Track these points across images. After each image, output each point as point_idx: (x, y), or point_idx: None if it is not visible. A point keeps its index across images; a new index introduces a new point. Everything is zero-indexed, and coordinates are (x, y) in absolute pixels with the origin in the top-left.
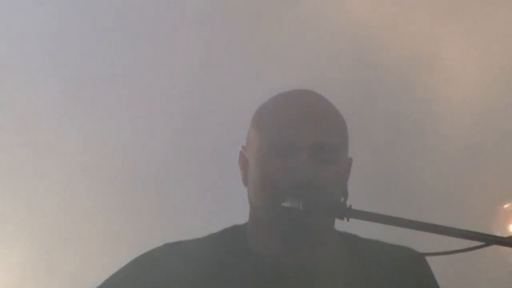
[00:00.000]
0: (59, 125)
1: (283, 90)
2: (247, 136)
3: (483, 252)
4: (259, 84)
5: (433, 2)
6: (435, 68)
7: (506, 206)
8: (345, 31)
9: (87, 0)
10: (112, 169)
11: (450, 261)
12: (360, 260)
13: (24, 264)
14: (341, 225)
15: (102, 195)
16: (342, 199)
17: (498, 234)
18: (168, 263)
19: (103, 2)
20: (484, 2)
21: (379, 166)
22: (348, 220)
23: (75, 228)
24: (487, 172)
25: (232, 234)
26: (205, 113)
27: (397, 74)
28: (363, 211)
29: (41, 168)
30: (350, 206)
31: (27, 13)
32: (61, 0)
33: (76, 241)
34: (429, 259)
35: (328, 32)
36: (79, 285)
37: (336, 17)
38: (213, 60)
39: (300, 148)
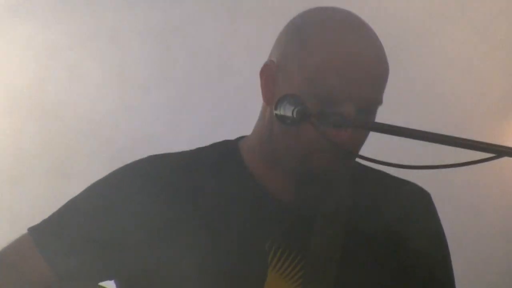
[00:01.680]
0: None
1: None
2: (283, 53)
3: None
4: None
5: None
6: None
7: None
8: None
9: None
10: None
11: (459, 175)
12: (363, 193)
13: None
14: None
15: None
16: None
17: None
18: (154, 174)
19: None
20: None
21: None
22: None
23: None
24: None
25: (224, 150)
26: None
27: None
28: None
29: None
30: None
31: None
32: None
33: None
34: (436, 172)
35: None
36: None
37: None
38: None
39: (350, 103)
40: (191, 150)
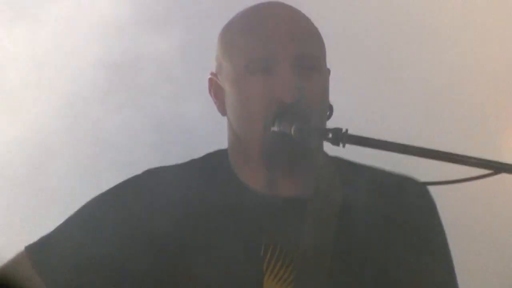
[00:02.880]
0: None
1: None
2: (216, 60)
3: (490, 182)
4: None
5: None
6: None
7: None
8: None
9: None
10: None
11: (454, 192)
12: (354, 189)
13: None
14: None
15: None
16: (328, 113)
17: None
18: (151, 190)
19: None
20: None
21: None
22: (344, 146)
23: None
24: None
25: (215, 159)
26: None
27: None
28: (361, 136)
29: None
30: (347, 130)
31: None
32: None
33: None
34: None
35: None
36: None
37: None
38: None
39: (281, 60)
40: (185, 162)
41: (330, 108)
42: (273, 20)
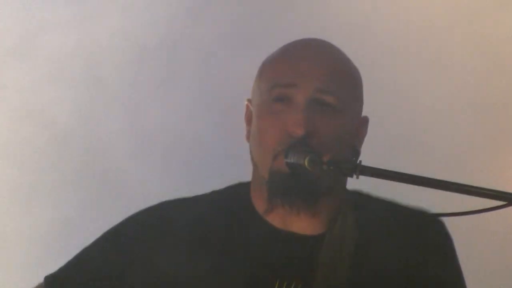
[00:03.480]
0: None
1: None
2: (252, 88)
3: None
4: None
5: None
6: None
7: None
8: None
9: None
10: None
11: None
12: (371, 223)
13: None
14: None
15: None
16: (354, 159)
17: None
18: (164, 222)
19: None
20: None
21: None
22: (357, 178)
23: None
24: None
25: (236, 191)
26: None
27: None
28: (375, 168)
29: None
30: (360, 161)
31: None
32: None
33: None
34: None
35: None
36: None
37: None
38: None
39: (300, 90)
40: (205, 194)
41: (356, 153)
42: (305, 52)
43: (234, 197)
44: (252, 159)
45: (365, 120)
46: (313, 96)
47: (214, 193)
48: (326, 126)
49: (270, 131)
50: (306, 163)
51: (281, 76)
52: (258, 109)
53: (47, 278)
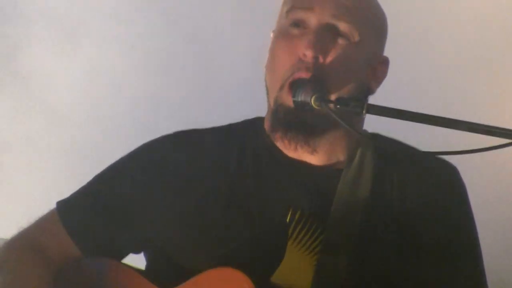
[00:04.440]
0: None
1: None
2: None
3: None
4: None
5: None
6: None
7: None
8: None
9: None
10: None
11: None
12: (387, 164)
13: None
14: None
15: None
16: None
17: None
18: (180, 151)
19: None
20: None
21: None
22: (364, 115)
23: None
24: None
25: (252, 122)
26: None
27: None
28: (382, 106)
29: None
30: (367, 100)
31: None
32: None
33: None
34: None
35: None
36: None
37: None
38: None
39: (315, 16)
40: (221, 126)
41: (368, 92)
42: None
43: (249, 127)
44: (265, 86)
45: (386, 61)
46: (327, 20)
47: (230, 125)
48: (337, 55)
49: (282, 56)
50: (312, 102)
51: (296, 3)
52: (275, 34)
53: (59, 203)
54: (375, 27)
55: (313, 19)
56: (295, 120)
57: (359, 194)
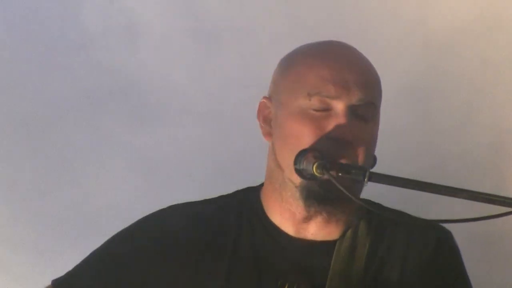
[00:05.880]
0: None
1: None
2: (273, 84)
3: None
4: None
5: None
6: None
7: None
8: None
9: None
10: None
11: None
12: (382, 232)
13: None
14: None
15: None
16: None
17: None
18: (173, 225)
19: None
20: None
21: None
22: (366, 184)
23: None
24: None
25: (246, 196)
26: None
27: None
28: (384, 174)
29: None
30: (368, 168)
31: None
32: None
33: None
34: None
35: None
36: None
37: None
38: None
39: (342, 101)
40: (213, 198)
41: (374, 159)
42: (343, 60)
43: (244, 200)
44: (275, 157)
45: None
46: (354, 104)
47: (222, 198)
48: (363, 134)
49: (307, 135)
50: (314, 169)
51: (324, 86)
52: (291, 111)
53: (55, 282)
54: (381, 95)
55: (340, 104)
56: (330, 191)
57: (354, 268)
